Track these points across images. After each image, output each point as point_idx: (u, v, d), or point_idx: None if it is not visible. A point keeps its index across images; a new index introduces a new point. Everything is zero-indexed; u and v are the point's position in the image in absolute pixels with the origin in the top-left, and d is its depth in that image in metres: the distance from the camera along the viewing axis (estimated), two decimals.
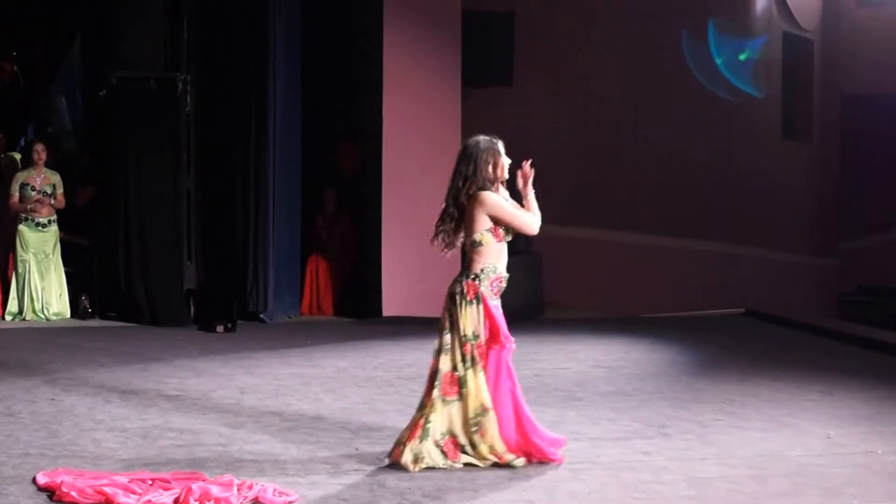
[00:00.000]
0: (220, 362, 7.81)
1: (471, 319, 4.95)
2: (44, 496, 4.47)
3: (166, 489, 4.47)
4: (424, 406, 5.01)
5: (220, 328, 9.39)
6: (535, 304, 11.21)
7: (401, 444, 5.00)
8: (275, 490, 4.50)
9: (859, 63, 15.39)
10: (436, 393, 4.97)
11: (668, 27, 13.08)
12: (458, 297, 4.97)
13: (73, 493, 4.39)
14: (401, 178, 10.67)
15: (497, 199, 5.02)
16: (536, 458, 5.02)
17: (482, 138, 5.12)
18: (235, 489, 4.45)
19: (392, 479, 4.82)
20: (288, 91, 10.30)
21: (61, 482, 4.49)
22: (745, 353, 8.78)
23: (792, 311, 11.48)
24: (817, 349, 9.06)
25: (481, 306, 4.96)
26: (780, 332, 10.22)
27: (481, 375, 4.94)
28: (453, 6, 11.05)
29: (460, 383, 4.95)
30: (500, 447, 4.94)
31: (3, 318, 9.79)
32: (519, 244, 11.43)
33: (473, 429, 4.93)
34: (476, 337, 4.95)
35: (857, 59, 15.38)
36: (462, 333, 4.95)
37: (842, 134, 15.64)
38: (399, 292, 10.56)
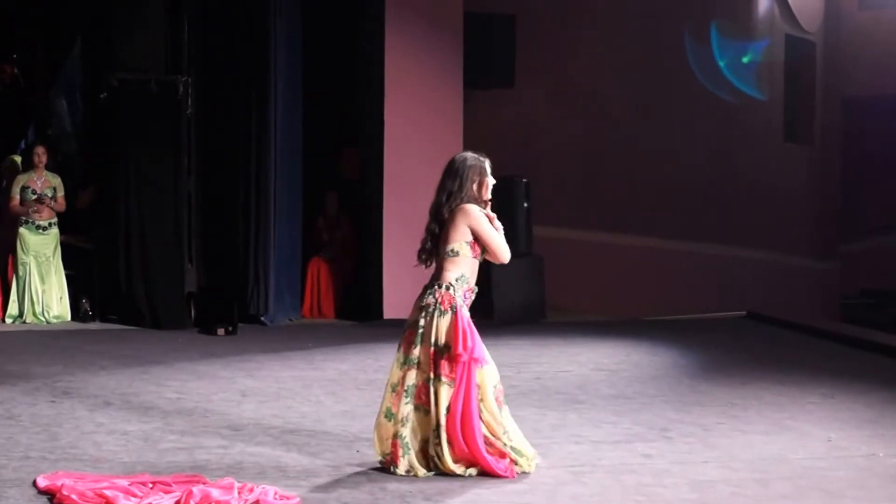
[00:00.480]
0: (220, 365, 7.80)
1: (445, 330, 4.85)
2: (44, 499, 4.46)
3: (167, 492, 4.46)
4: (394, 416, 4.91)
5: (220, 331, 9.38)
6: (536, 307, 11.21)
7: (386, 455, 4.95)
8: (276, 493, 4.49)
9: (861, 65, 15.37)
10: (409, 407, 4.88)
11: (668, 28, 13.08)
12: (431, 308, 4.87)
13: (74, 497, 4.38)
14: (402, 180, 10.67)
15: (480, 214, 4.97)
16: (487, 472, 4.89)
17: (469, 155, 5.08)
18: (236, 492, 4.44)
19: (393, 482, 4.81)
20: (289, 93, 10.30)
21: (62, 485, 4.48)
22: (746, 356, 8.77)
23: (793, 314, 11.46)
24: (819, 352, 9.04)
25: (454, 317, 4.85)
26: (782, 334, 10.20)
27: (445, 388, 4.83)
28: (455, 8, 11.05)
29: (430, 395, 4.85)
30: (450, 464, 4.84)
31: (4, 320, 9.79)
32: (520, 246, 11.48)
33: (436, 440, 4.86)
34: (448, 348, 4.83)
35: (859, 61, 15.37)
36: (434, 344, 4.85)
37: (843, 136, 15.62)
38: (400, 295, 10.52)
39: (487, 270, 11.63)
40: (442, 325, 4.86)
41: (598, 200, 12.80)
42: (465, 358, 4.83)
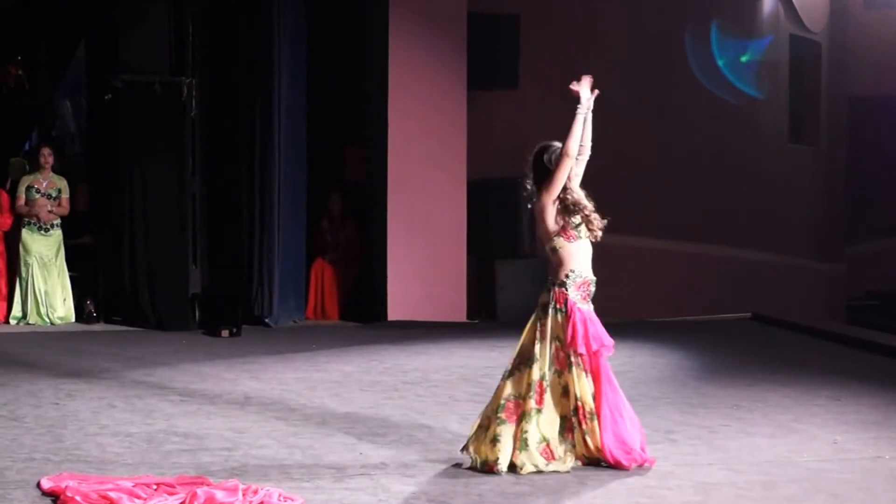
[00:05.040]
0: (224, 367, 7.80)
1: (561, 328, 5.02)
2: (48, 501, 4.46)
3: (171, 494, 4.45)
4: (525, 415, 4.98)
5: (224, 333, 9.38)
6: None
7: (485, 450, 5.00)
8: (280, 495, 4.48)
9: (867, 65, 15.33)
10: (531, 403, 4.97)
11: (673, 29, 13.06)
12: (549, 307, 5.04)
13: (78, 498, 4.37)
14: (406, 181, 10.67)
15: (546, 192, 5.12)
16: (611, 461, 5.02)
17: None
18: (240, 494, 4.43)
19: (396, 484, 4.80)
20: (293, 94, 10.30)
21: (66, 487, 4.48)
22: (751, 358, 8.75)
23: (799, 316, 11.43)
24: (824, 354, 9.02)
25: (567, 314, 5.01)
26: (787, 336, 10.18)
27: (587, 380, 5.00)
28: (458, 9, 11.06)
29: (546, 391, 5.00)
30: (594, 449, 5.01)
31: (8, 321, 9.80)
32: (524, 248, 11.47)
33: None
34: (561, 342, 5.01)
35: (865, 61, 15.33)
36: (550, 340, 5.01)
37: (849, 137, 15.58)
38: (404, 296, 10.55)
39: (491, 271, 11.67)
40: (557, 321, 5.02)
41: (601, 202, 12.73)
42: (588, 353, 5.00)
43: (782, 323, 10.77)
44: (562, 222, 5.10)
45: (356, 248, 11.09)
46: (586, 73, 5.26)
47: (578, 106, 5.18)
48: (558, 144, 5.19)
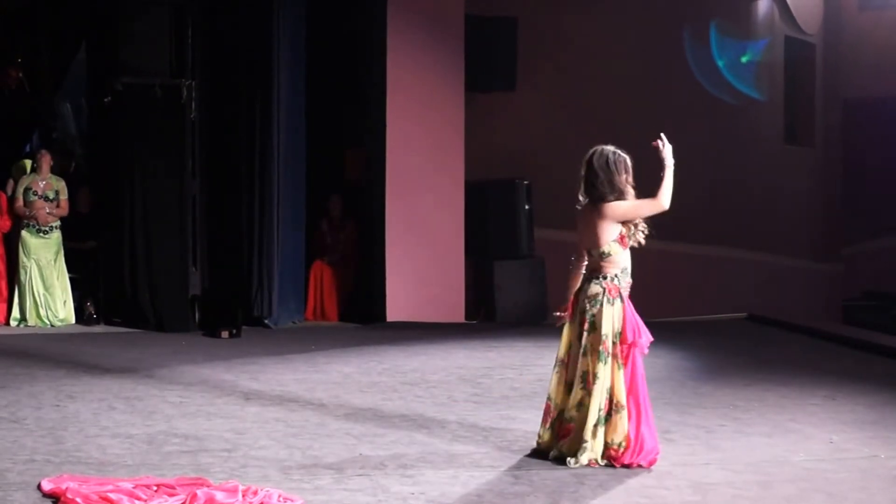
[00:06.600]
0: (224, 368, 7.82)
1: (615, 318, 5.17)
2: (48, 503, 4.48)
3: (171, 495, 4.48)
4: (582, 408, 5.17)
5: (224, 334, 9.40)
6: (537, 310, 11.23)
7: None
8: (279, 495, 4.51)
9: (862, 67, 15.37)
10: (582, 392, 5.18)
11: (670, 32, 13.09)
12: (600, 297, 5.16)
13: (78, 500, 4.40)
14: (405, 183, 10.71)
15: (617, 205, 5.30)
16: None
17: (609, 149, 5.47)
18: (240, 495, 4.46)
19: (396, 484, 4.83)
20: (292, 96, 10.33)
21: (66, 488, 4.50)
22: (748, 358, 8.78)
23: (795, 316, 11.47)
24: (821, 354, 9.06)
25: (622, 305, 5.20)
26: (784, 336, 10.22)
27: (620, 373, 5.17)
28: (456, 11, 11.10)
29: (594, 379, 5.16)
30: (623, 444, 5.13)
31: (8, 323, 9.82)
32: (522, 248, 11.50)
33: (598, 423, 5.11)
34: (618, 335, 5.18)
35: (860, 62, 15.36)
36: (603, 332, 5.14)
37: (844, 138, 15.63)
38: (403, 297, 10.58)
39: (489, 272, 11.70)
40: (611, 313, 5.18)
41: None
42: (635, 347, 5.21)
43: (778, 323, 10.80)
44: (622, 230, 5.28)
45: (355, 249, 11.11)
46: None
47: (666, 166, 5.58)
48: (610, 148, 5.49)
